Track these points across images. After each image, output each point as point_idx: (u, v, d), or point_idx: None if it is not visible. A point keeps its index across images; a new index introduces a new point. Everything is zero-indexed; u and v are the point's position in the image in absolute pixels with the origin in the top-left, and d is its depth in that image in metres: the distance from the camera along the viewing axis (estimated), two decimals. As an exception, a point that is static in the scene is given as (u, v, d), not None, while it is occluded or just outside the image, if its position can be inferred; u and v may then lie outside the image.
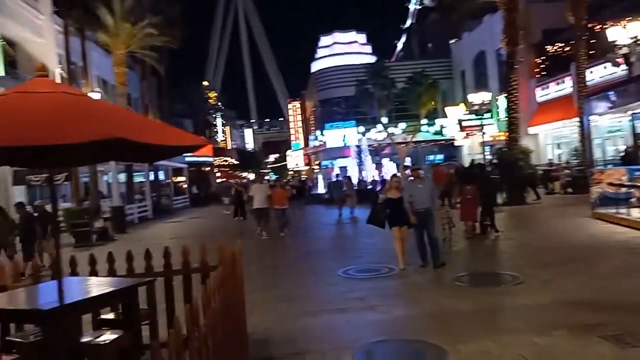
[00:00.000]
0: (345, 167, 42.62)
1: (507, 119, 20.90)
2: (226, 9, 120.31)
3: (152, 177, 30.98)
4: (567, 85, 25.95)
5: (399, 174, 11.21)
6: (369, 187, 28.92)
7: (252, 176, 68.23)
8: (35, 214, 12.16)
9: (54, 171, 4.13)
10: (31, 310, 3.52)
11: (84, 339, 3.76)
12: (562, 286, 6.85)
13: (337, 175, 25.12)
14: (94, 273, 4.87)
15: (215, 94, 64.72)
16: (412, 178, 9.23)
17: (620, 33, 13.83)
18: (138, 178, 30.08)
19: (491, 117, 32.61)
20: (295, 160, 68.70)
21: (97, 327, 4.43)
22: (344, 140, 43.15)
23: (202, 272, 4.93)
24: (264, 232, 14.38)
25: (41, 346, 3.52)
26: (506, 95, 20.98)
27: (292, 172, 69.44)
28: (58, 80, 19.97)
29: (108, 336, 3.76)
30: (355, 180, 31.12)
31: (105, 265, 4.92)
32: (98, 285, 4.12)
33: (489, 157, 28.70)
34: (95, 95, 21.63)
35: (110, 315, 4.54)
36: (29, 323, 4.17)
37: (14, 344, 3.72)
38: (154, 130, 3.65)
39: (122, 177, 26.67)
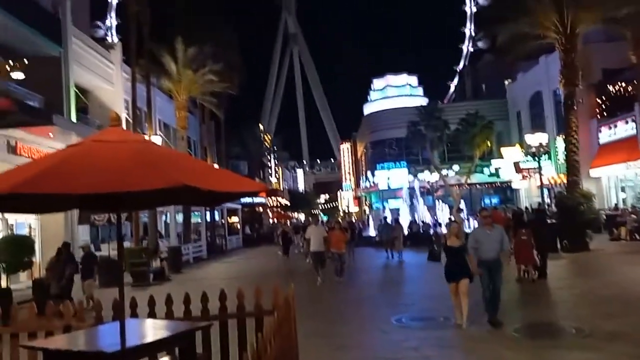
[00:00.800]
0: (397, 209, 42.29)
1: (566, 161, 20.20)
2: (282, 54, 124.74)
3: (208, 218, 31.78)
4: (630, 126, 24.94)
5: (455, 220, 11.02)
6: (422, 230, 28.45)
7: (302, 217, 68.76)
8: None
9: (119, 218, 4.36)
10: (95, 353, 3.65)
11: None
12: (631, 339, 6.41)
13: (386, 218, 25.15)
14: (152, 314, 5.01)
15: (270, 137, 66.39)
16: (480, 223, 8.31)
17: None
18: (195, 218, 30.95)
19: (549, 159, 31.64)
20: (346, 201, 68.81)
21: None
22: (388, 182, 42.93)
23: (257, 317, 4.97)
24: (319, 278, 13.48)
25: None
26: (565, 136, 20.36)
27: (342, 213, 69.41)
28: (124, 123, 21.16)
29: (165, 379, 3.82)
30: (406, 223, 30.79)
31: (163, 306, 5.05)
32: (158, 329, 4.23)
33: (547, 200, 27.72)
34: (157, 139, 22.76)
35: (166, 358, 4.63)
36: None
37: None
38: (215, 176, 3.81)
39: (180, 217, 27.54)
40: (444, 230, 18.17)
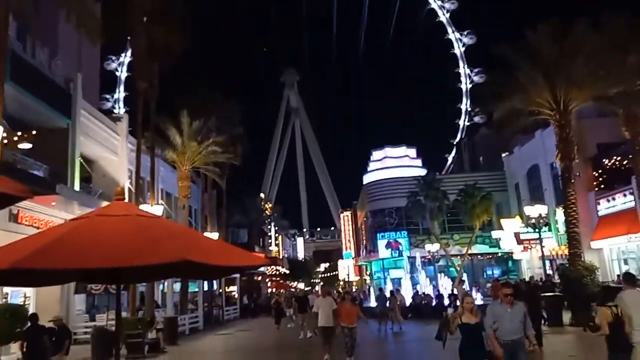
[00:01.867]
0: (398, 279, 41.76)
1: (566, 233, 20.25)
2: (284, 126, 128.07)
3: (205, 287, 31.31)
4: (629, 199, 25.17)
5: (464, 294, 10.19)
6: (424, 302, 27.98)
7: (302, 285, 67.57)
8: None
9: (119, 291, 4.41)
10: None
11: None
12: None
13: (381, 289, 24.25)
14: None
15: (270, 205, 66.70)
16: (497, 299, 7.31)
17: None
18: (192, 287, 30.51)
19: (549, 230, 31.63)
20: (346, 269, 67.94)
21: None
22: (392, 253, 42.67)
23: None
24: (327, 356, 12.21)
25: None
26: (564, 209, 20.54)
27: (342, 282, 68.30)
28: (126, 192, 21.40)
29: None
30: (409, 293, 30.31)
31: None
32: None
33: (549, 271, 27.44)
34: (159, 208, 22.90)
35: None
36: None
37: None
38: (218, 250, 3.89)
39: (177, 286, 27.17)
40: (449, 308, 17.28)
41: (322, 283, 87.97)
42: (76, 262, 3.42)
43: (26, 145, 17.42)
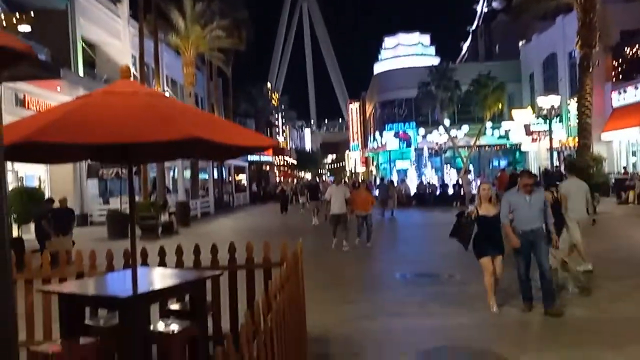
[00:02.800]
0: (404, 170, 42.30)
1: (578, 123, 19.98)
2: (291, 11, 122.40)
3: (215, 175, 31.96)
4: (646, 90, 24.46)
5: (487, 182, 8.32)
6: (429, 191, 28.60)
7: (309, 176, 68.92)
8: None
9: (131, 170, 4.38)
10: (109, 297, 3.75)
11: (154, 328, 3.96)
12: (636, 300, 6.50)
13: (382, 179, 25.20)
14: (163, 264, 5.11)
15: (277, 95, 65.86)
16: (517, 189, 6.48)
17: None
18: (202, 175, 31.15)
19: (560, 122, 31.26)
20: (353, 161, 68.79)
21: (164, 316, 4.66)
22: (400, 143, 42.77)
23: (265, 268, 5.06)
24: (345, 242, 12.08)
25: (117, 332, 3.75)
26: (578, 99, 20.06)
27: (349, 173, 69.48)
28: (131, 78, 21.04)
29: (176, 326, 3.93)
30: (414, 183, 31.01)
31: (173, 257, 5.14)
32: (168, 277, 4.33)
33: (556, 163, 27.54)
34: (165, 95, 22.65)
35: (177, 306, 4.75)
36: (105, 308, 4.45)
37: (91, 329, 3.98)
38: (226, 130, 3.80)
39: (188, 173, 27.69)
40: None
41: (328, 173, 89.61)
42: (86, 137, 3.35)
43: (25, 28, 16.80)
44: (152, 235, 16.01)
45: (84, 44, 21.19)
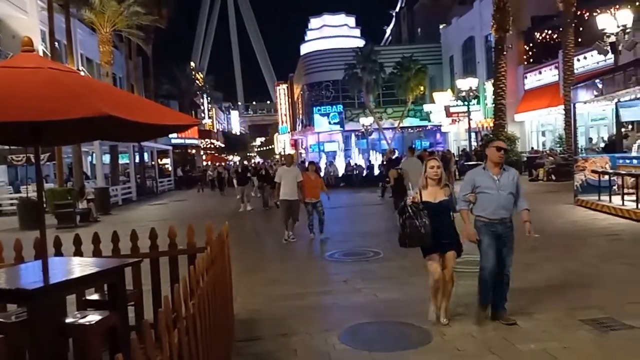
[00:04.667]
0: (333, 152, 42.71)
1: (494, 105, 21.04)
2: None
3: (137, 159, 30.68)
4: (554, 73, 26.14)
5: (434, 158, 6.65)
6: (356, 172, 29.15)
7: (237, 159, 67.92)
8: None
9: (37, 151, 4.06)
10: (15, 290, 3.48)
11: (70, 320, 3.73)
12: (545, 270, 6.97)
13: (303, 162, 25.23)
14: (79, 253, 4.82)
15: (202, 75, 63.99)
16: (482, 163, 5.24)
17: (609, 21, 13.91)
18: (123, 159, 29.79)
19: (478, 104, 32.78)
20: (282, 143, 68.52)
21: (81, 308, 4.41)
22: (330, 125, 43.13)
23: (189, 254, 4.91)
24: (288, 233, 10.69)
25: (26, 326, 3.49)
26: (494, 81, 21.10)
27: (279, 156, 69.24)
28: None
29: (94, 317, 3.73)
30: (342, 165, 31.49)
31: (90, 246, 4.87)
32: (83, 266, 4.08)
33: (474, 143, 28.95)
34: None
35: (95, 296, 4.52)
36: (12, 303, 4.14)
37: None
38: (143, 108, 3.60)
39: (107, 158, 26.38)
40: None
41: (257, 156, 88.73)
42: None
43: None
44: (69, 224, 15.15)
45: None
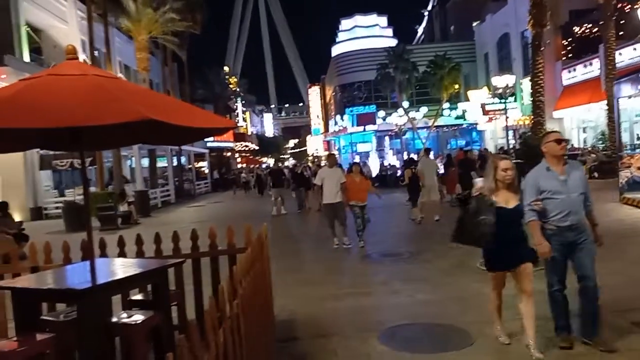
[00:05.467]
0: (366, 152, 42.56)
1: (531, 102, 20.53)
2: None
3: (174, 162, 31.33)
4: (594, 68, 25.32)
5: (504, 157, 5.95)
6: (389, 172, 28.97)
7: (271, 162, 68.45)
8: None
9: (82, 156, 4.18)
10: (65, 290, 3.59)
11: (116, 319, 3.83)
12: (627, 268, 6.73)
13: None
14: (122, 255, 4.94)
15: (236, 79, 64.82)
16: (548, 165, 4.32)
17: (652, 13, 13.38)
18: (161, 163, 30.48)
19: (515, 101, 32.06)
20: (314, 145, 68.66)
21: (126, 307, 4.52)
22: (360, 125, 42.96)
23: (230, 254, 4.97)
24: (336, 239, 10.02)
25: (75, 325, 3.60)
26: (531, 78, 20.59)
27: (311, 157, 69.40)
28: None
29: (139, 316, 3.82)
30: (376, 165, 31.35)
31: (133, 247, 4.98)
32: (128, 267, 4.19)
33: (512, 141, 28.32)
34: (118, 81, 21.90)
35: (139, 297, 4.62)
36: (61, 302, 4.28)
37: (48, 323, 3.81)
38: (183, 111, 3.66)
39: (145, 161, 27.02)
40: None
41: (290, 158, 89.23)
42: (33, 122, 3.16)
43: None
44: (111, 226, 15.58)
45: (28, 29, 20.17)
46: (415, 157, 25.16)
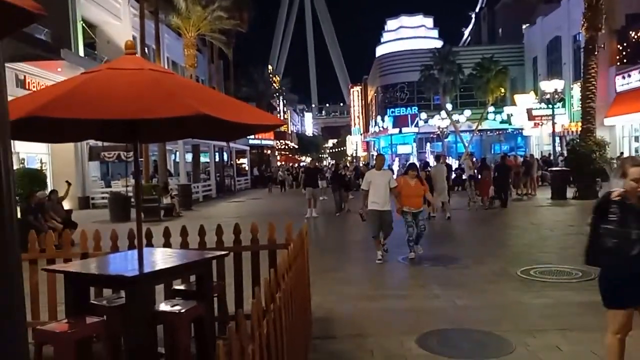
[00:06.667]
0: (407, 154, 42.15)
1: (581, 108, 19.84)
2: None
3: (216, 158, 31.92)
4: (650, 74, 24.27)
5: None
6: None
7: (308, 160, 68.77)
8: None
9: (136, 148, 4.33)
10: (115, 276, 3.74)
11: (161, 308, 3.95)
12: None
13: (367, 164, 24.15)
14: (167, 245, 5.09)
15: (279, 78, 65.43)
16: None
17: None
18: (203, 158, 31.10)
19: (563, 107, 31.09)
20: (354, 145, 68.60)
21: (169, 296, 4.65)
22: (402, 129, 42.57)
23: (270, 249, 5.05)
24: (380, 253, 8.75)
25: (123, 310, 3.74)
26: (582, 82, 19.89)
27: (350, 157, 69.39)
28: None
29: (182, 306, 3.93)
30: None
31: (177, 238, 5.12)
32: (174, 257, 4.31)
33: (558, 148, 27.46)
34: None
35: (182, 287, 4.74)
36: (110, 288, 4.45)
37: (96, 308, 3.97)
38: (234, 108, 3.75)
39: (189, 156, 27.63)
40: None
41: (328, 157, 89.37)
42: (92, 113, 3.30)
43: (24, 8, 16.62)
44: (154, 218, 16.02)
45: (84, 24, 20.96)
46: (431, 161, 25.39)
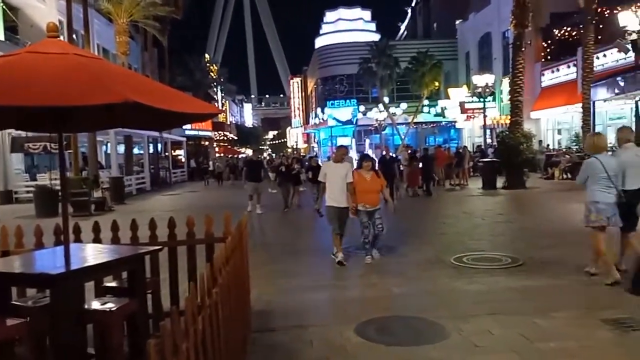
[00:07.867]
0: (346, 146, 42.54)
1: (510, 102, 20.80)
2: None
3: (150, 150, 30.87)
4: (572, 71, 25.79)
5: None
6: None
7: (250, 152, 67.98)
8: None
9: (61, 138, 4.07)
10: (39, 275, 3.50)
11: (90, 306, 3.76)
12: (562, 269, 6.89)
13: (315, 156, 22.91)
14: (97, 241, 4.85)
15: (216, 68, 64.10)
16: None
17: (631, 19, 13.67)
18: (137, 150, 29.98)
19: (494, 100, 32.46)
20: (294, 137, 68.52)
21: (100, 294, 4.44)
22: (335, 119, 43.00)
23: (207, 243, 4.92)
24: (338, 254, 7.86)
25: (48, 311, 3.52)
26: (511, 78, 20.85)
27: (291, 150, 69.27)
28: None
29: (114, 303, 3.75)
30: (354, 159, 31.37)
31: (107, 233, 4.89)
32: (104, 253, 4.10)
33: (489, 140, 28.69)
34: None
35: (113, 283, 4.54)
36: (33, 287, 4.18)
37: (19, 309, 3.72)
38: (167, 96, 3.59)
39: (121, 148, 26.55)
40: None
41: (268, 149, 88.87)
42: (12, 99, 3.03)
43: None
44: (85, 213, 15.29)
45: (4, 6, 19.56)
46: (371, 153, 26.03)
